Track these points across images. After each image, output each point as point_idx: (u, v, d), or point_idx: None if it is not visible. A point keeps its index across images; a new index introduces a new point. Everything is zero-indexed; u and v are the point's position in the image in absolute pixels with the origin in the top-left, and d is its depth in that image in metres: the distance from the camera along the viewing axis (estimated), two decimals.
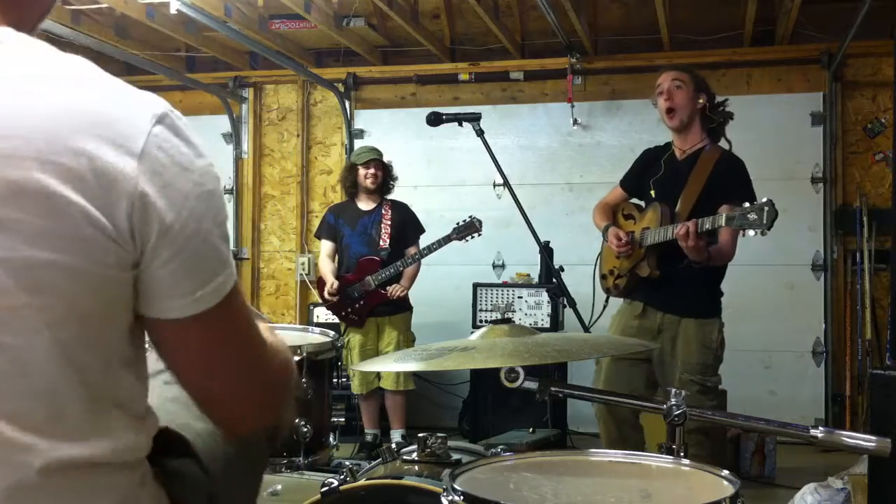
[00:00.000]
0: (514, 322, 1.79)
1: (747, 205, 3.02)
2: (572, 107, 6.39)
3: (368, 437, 5.31)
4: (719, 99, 3.52)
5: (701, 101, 3.44)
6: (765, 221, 2.95)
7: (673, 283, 3.39)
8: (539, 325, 5.48)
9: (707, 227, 3.14)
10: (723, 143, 3.52)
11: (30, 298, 0.89)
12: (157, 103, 0.97)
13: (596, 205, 3.76)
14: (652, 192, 3.51)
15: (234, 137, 7.12)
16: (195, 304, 0.98)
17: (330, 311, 5.45)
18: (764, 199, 2.99)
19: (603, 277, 3.65)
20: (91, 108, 0.93)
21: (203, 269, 0.98)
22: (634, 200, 3.69)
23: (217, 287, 0.99)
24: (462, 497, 1.37)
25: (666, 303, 3.43)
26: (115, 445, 0.97)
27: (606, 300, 3.64)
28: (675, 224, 3.25)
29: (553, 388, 1.73)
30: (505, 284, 5.85)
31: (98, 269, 0.92)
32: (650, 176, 3.54)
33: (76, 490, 0.95)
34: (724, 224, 3.08)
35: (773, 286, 6.07)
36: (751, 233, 3.02)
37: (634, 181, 3.66)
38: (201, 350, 1.02)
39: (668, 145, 3.59)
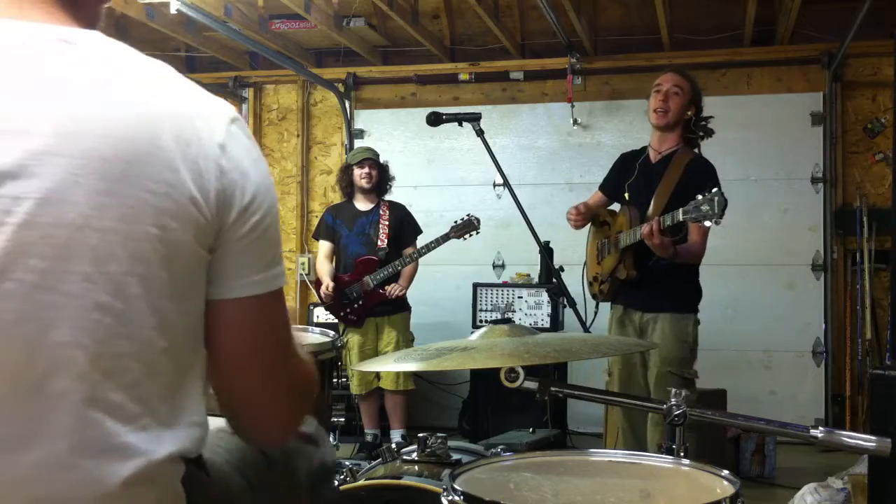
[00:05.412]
0: (513, 322, 1.80)
1: (700, 197, 3.05)
2: (572, 107, 6.38)
3: (368, 437, 5.31)
4: (706, 114, 3.61)
5: (689, 112, 3.54)
6: (716, 211, 2.98)
7: (650, 282, 3.48)
8: (539, 325, 5.49)
9: (668, 223, 3.21)
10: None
11: (133, 267, 0.97)
12: (229, 106, 1.09)
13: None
14: (626, 195, 3.59)
15: None
16: (257, 284, 1.07)
17: (328, 312, 5.45)
18: (714, 190, 3.02)
19: (590, 284, 3.76)
20: (181, 105, 1.04)
21: (267, 254, 1.08)
22: (612, 206, 3.76)
23: (276, 275, 1.09)
24: (462, 497, 1.37)
25: (644, 302, 3.52)
26: (189, 432, 1.03)
27: (597, 305, 3.73)
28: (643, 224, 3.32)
29: (553, 388, 1.72)
30: (505, 284, 5.85)
31: (193, 246, 1.01)
32: (625, 179, 3.63)
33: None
34: (680, 218, 3.14)
35: (773, 286, 6.07)
36: (707, 223, 3.06)
37: (612, 184, 3.74)
38: (250, 331, 1.09)
39: (644, 149, 3.66)
